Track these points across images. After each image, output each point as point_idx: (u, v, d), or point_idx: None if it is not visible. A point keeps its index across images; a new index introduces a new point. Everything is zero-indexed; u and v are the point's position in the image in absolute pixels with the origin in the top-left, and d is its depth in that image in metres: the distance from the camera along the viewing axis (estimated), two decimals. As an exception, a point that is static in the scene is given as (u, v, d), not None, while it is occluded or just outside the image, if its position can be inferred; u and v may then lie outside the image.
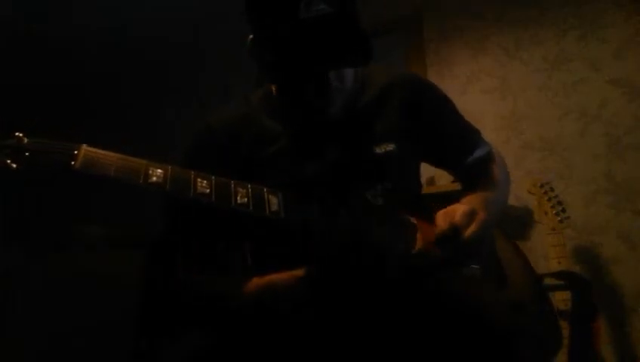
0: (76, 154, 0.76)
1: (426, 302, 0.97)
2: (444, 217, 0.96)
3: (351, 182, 1.00)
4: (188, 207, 0.95)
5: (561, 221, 1.93)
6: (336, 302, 0.96)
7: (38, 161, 0.75)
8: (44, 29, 2.82)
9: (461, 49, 2.63)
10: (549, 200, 1.98)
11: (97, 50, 3.08)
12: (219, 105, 1.13)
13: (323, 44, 0.89)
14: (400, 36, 2.78)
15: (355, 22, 0.92)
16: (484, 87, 2.53)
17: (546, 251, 1.93)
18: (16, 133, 0.76)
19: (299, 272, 0.93)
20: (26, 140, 0.76)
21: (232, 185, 0.85)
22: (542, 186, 2.02)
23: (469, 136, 1.17)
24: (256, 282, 0.97)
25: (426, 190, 1.20)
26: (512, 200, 2.02)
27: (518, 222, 2.27)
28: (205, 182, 0.83)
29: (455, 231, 0.93)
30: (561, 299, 1.82)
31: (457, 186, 1.25)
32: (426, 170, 1.30)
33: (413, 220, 1.00)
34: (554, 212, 1.95)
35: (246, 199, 0.84)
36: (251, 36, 0.98)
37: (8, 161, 0.74)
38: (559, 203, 1.97)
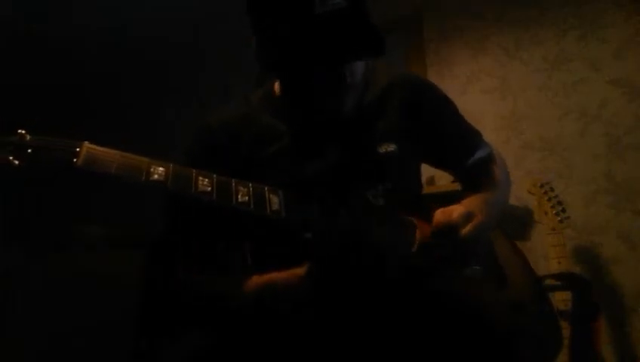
0: (78, 152, 0.77)
1: (425, 302, 0.97)
2: (442, 215, 0.96)
3: (351, 182, 1.00)
4: (188, 207, 0.95)
5: (561, 221, 1.93)
6: (336, 301, 0.96)
7: (41, 158, 0.75)
8: (44, 29, 2.82)
9: (461, 49, 2.63)
10: (549, 200, 1.98)
11: (97, 50, 3.08)
12: (219, 105, 1.13)
13: (338, 39, 0.89)
14: (400, 36, 2.78)
15: (367, 15, 0.91)
16: (484, 87, 2.53)
17: (546, 251, 1.93)
18: (19, 130, 0.76)
19: (299, 270, 0.93)
20: (28, 137, 0.76)
21: (233, 184, 0.85)
22: (542, 186, 2.02)
23: (470, 137, 1.17)
24: (256, 281, 0.97)
25: (426, 190, 1.20)
26: (512, 200, 2.01)
27: (518, 222, 2.27)
28: (207, 180, 0.83)
29: (451, 227, 0.93)
30: (561, 299, 1.82)
31: (457, 186, 1.25)
32: (426, 170, 1.30)
33: (414, 220, 1.00)
34: (554, 212, 1.95)
35: (247, 198, 0.84)
36: (256, 38, 0.97)
37: (11, 158, 0.74)
38: (559, 203, 1.97)
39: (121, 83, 3.26)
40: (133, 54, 3.14)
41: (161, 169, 0.81)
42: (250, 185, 0.86)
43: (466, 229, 0.95)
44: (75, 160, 0.76)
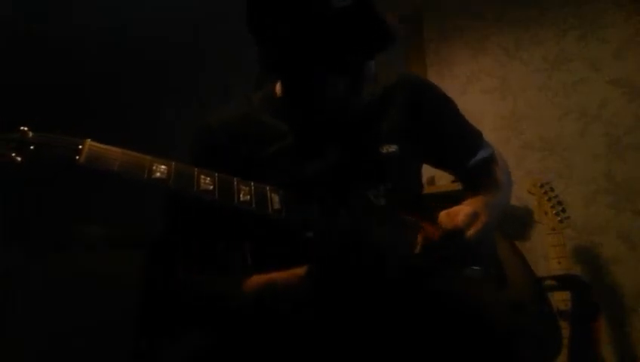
0: (81, 149, 0.76)
1: (426, 302, 0.97)
2: (447, 217, 0.96)
3: (352, 182, 1.00)
4: (188, 207, 0.95)
5: (561, 221, 1.93)
6: (336, 301, 0.96)
7: (43, 155, 0.75)
8: (44, 29, 2.82)
9: (461, 49, 2.63)
10: (549, 200, 1.98)
11: (97, 50, 3.08)
12: (219, 105, 1.13)
13: (341, 39, 0.89)
14: (400, 36, 2.78)
15: (372, 12, 0.91)
16: (484, 87, 2.53)
17: (546, 251, 1.93)
18: (21, 127, 0.76)
19: (300, 270, 0.93)
20: (30, 134, 0.76)
21: (235, 183, 0.85)
22: (542, 186, 2.02)
23: (471, 137, 1.17)
24: (256, 281, 0.97)
25: (426, 190, 1.20)
26: (512, 200, 2.02)
27: (518, 222, 2.27)
28: (209, 179, 0.83)
29: (456, 231, 0.93)
30: (561, 299, 1.82)
31: (457, 186, 1.26)
32: (427, 170, 1.30)
33: (414, 220, 1.00)
34: (554, 212, 1.95)
35: (249, 197, 0.84)
36: (256, 39, 0.97)
37: (13, 155, 0.74)
38: (559, 203, 1.97)
39: (121, 83, 3.26)
40: (133, 54, 3.13)
41: (163, 167, 0.81)
42: (252, 184, 0.86)
43: (472, 230, 0.95)
44: (77, 157, 0.76)
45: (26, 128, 0.76)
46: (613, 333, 2.01)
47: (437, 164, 1.22)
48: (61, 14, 2.76)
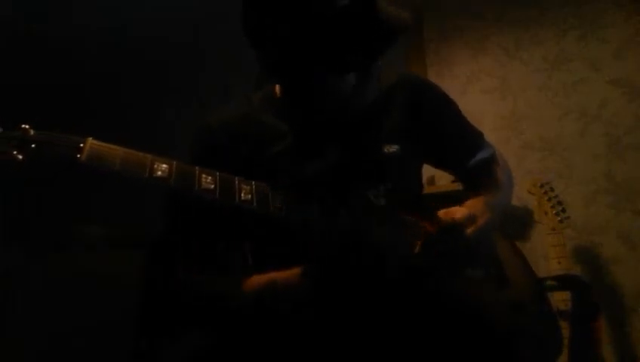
0: (82, 147, 0.76)
1: (426, 303, 0.97)
2: (445, 215, 0.96)
3: (352, 182, 1.00)
4: (188, 207, 0.95)
5: (561, 221, 1.93)
6: (336, 301, 0.96)
7: (45, 153, 0.75)
8: (44, 29, 2.82)
9: (461, 49, 2.63)
10: (549, 200, 1.98)
11: (97, 50, 3.07)
12: (219, 105, 1.13)
13: (340, 39, 0.89)
14: (400, 36, 2.77)
15: (377, 7, 0.91)
16: (484, 87, 2.53)
17: (546, 251, 1.93)
18: (23, 125, 0.76)
19: (300, 270, 0.93)
20: (32, 132, 0.76)
21: (237, 182, 0.85)
22: (542, 186, 2.02)
23: (471, 137, 1.17)
24: (256, 280, 0.97)
25: (426, 190, 1.20)
26: (512, 200, 2.02)
27: (518, 222, 2.27)
28: (210, 178, 0.83)
29: (454, 227, 0.93)
30: (561, 299, 1.82)
31: (457, 186, 1.26)
32: (427, 170, 1.30)
33: (414, 220, 1.00)
34: (554, 212, 1.95)
35: (250, 196, 0.84)
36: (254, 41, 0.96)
37: (15, 153, 0.73)
38: (559, 203, 1.97)
39: (121, 83, 3.25)
40: (133, 54, 3.13)
41: (164, 166, 0.81)
42: (253, 183, 0.86)
43: (470, 229, 0.95)
44: (78, 155, 0.76)
45: (27, 126, 0.76)
46: (613, 333, 2.01)
47: (437, 164, 1.22)
48: (61, 14, 2.76)
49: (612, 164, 2.17)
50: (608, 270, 2.10)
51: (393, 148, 1.02)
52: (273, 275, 0.96)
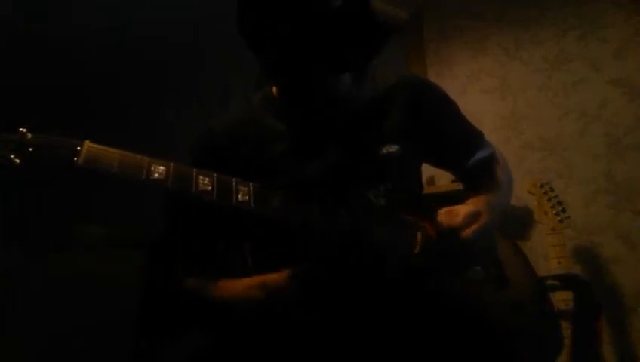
0: (79, 150, 0.77)
1: (426, 303, 0.97)
2: (447, 216, 0.96)
3: (352, 182, 1.00)
4: (188, 207, 0.95)
5: (561, 221, 1.93)
6: (329, 302, 0.96)
7: (42, 157, 0.76)
8: (44, 29, 2.82)
9: (461, 49, 2.63)
10: (549, 200, 1.98)
11: (97, 50, 3.08)
12: (220, 110, 1.14)
13: (336, 39, 0.89)
14: (400, 36, 2.78)
15: (370, 7, 0.91)
16: (484, 87, 2.53)
17: (546, 251, 1.93)
18: (20, 129, 0.76)
19: (288, 272, 0.93)
20: (29, 136, 0.76)
21: (234, 183, 0.85)
22: (542, 186, 2.02)
23: (471, 137, 1.17)
24: (247, 282, 0.98)
25: (426, 190, 1.20)
26: (512, 200, 2.02)
27: (518, 222, 2.27)
28: (207, 179, 0.83)
29: (454, 229, 0.93)
30: (561, 299, 1.82)
31: (457, 186, 1.26)
32: (427, 170, 1.30)
33: (414, 220, 1.00)
34: (554, 212, 1.95)
35: (247, 197, 0.84)
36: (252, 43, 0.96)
37: (12, 156, 0.74)
38: (559, 203, 1.97)
39: (121, 83, 3.26)
40: (133, 54, 3.13)
41: (161, 168, 0.81)
42: (251, 184, 0.86)
43: (472, 229, 0.95)
44: (75, 158, 0.76)
45: (24, 130, 0.76)
46: (613, 333, 2.01)
47: (437, 164, 1.22)
48: (61, 14, 2.76)
49: (612, 164, 2.17)
50: (608, 270, 2.10)
51: (393, 148, 1.02)
52: (264, 277, 0.96)
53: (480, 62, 2.57)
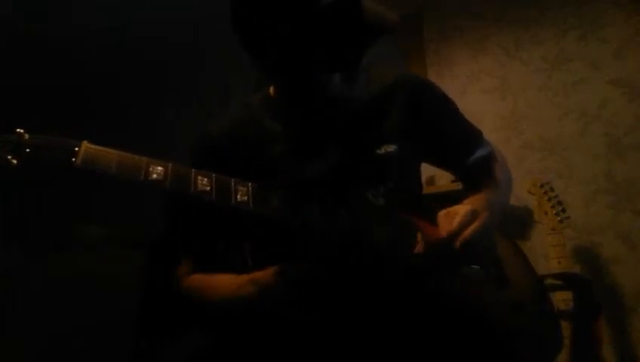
0: (77, 151, 0.77)
1: (425, 303, 0.97)
2: (446, 218, 0.96)
3: (351, 183, 1.00)
4: (188, 207, 0.95)
5: (561, 221, 1.93)
6: (333, 301, 0.95)
7: (39, 157, 0.75)
8: (44, 29, 2.82)
9: (461, 49, 2.63)
10: (549, 200, 1.98)
11: (97, 50, 3.08)
12: (220, 110, 1.14)
13: (347, 32, 0.89)
14: (400, 36, 2.78)
15: (360, 3, 0.91)
16: (484, 87, 2.53)
17: (546, 251, 1.93)
18: (17, 130, 0.76)
19: (276, 269, 0.93)
20: (27, 136, 0.76)
21: (233, 183, 0.85)
22: (542, 186, 2.02)
23: (470, 136, 1.17)
24: (238, 280, 0.97)
25: (425, 190, 1.20)
26: (512, 200, 2.02)
27: (518, 222, 2.27)
28: (206, 179, 0.83)
29: (453, 235, 0.93)
30: (561, 299, 1.82)
31: (457, 186, 1.26)
32: (426, 170, 1.30)
33: (414, 220, 1.00)
34: (554, 212, 1.95)
35: (246, 197, 0.84)
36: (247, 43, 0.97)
37: (9, 157, 0.74)
38: (559, 203, 1.97)
39: (121, 83, 3.26)
40: (133, 54, 3.13)
41: (159, 168, 0.81)
42: (250, 184, 0.86)
43: (472, 228, 0.94)
44: (73, 159, 0.76)
45: (22, 130, 0.76)
46: (613, 333, 2.01)
47: (436, 163, 1.22)
48: (61, 14, 2.76)
49: (612, 164, 2.17)
50: (608, 270, 2.10)
51: (392, 148, 1.02)
52: (255, 274, 0.96)
53: (480, 62, 2.57)
